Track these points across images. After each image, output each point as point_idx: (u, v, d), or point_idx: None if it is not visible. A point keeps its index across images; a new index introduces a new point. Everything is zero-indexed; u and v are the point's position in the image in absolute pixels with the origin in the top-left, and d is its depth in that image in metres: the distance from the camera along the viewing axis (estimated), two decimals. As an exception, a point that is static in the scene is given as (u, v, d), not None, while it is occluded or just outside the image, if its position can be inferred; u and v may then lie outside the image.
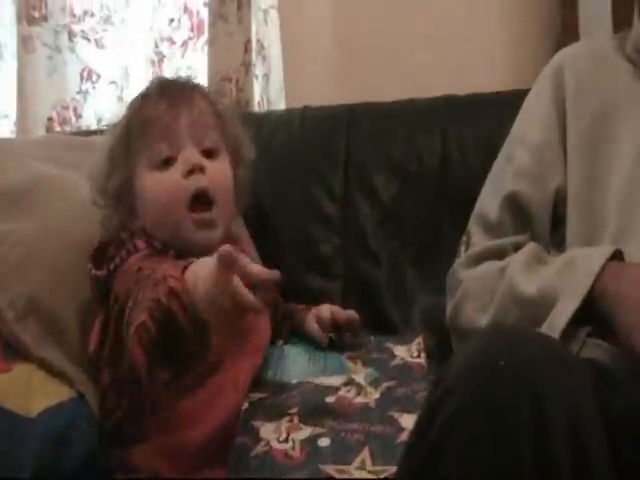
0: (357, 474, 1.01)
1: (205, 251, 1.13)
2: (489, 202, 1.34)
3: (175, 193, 1.30)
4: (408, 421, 1.08)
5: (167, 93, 1.37)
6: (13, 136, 2.11)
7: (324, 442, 1.09)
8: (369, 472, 1.01)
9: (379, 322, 1.60)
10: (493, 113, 1.67)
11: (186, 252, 1.24)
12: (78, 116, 2.14)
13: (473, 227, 1.34)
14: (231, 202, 1.37)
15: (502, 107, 1.63)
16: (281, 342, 1.36)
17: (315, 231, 1.67)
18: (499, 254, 1.27)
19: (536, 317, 1.13)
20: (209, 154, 1.34)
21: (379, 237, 1.65)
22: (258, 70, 2.06)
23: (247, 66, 2.00)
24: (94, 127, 2.10)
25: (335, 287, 1.66)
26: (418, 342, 1.33)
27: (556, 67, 1.36)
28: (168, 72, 2.15)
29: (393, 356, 1.27)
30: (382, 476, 1.00)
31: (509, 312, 1.19)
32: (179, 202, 1.30)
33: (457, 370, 0.87)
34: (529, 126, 1.35)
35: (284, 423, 1.13)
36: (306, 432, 1.11)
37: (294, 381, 1.24)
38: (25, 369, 1.33)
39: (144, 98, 1.39)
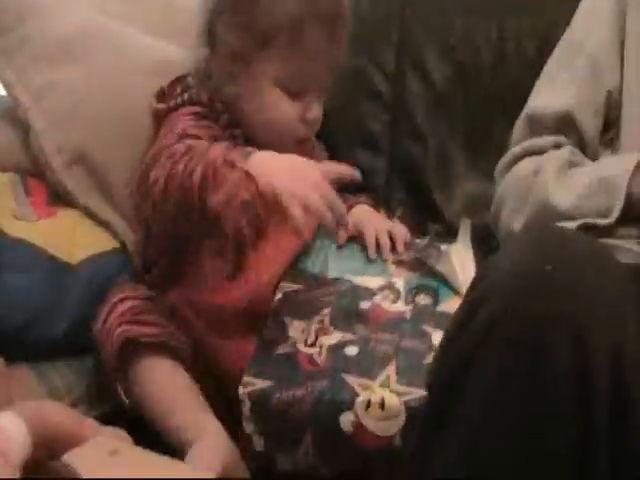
0: (379, 391, 0.98)
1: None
2: (539, 104, 1.31)
3: (288, 128, 1.28)
4: (440, 339, 1.04)
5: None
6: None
7: (352, 351, 1.06)
8: (392, 391, 0.98)
9: (422, 203, 1.60)
10: (551, 2, 1.60)
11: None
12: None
13: (521, 124, 1.32)
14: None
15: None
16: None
17: (364, 106, 1.63)
18: (539, 152, 1.26)
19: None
20: (322, 94, 1.31)
21: (429, 118, 1.62)
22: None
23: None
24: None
25: (381, 164, 1.63)
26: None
27: None
28: None
29: (440, 259, 1.20)
30: (404, 399, 0.96)
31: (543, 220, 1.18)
32: (285, 133, 1.28)
33: (500, 268, 0.83)
34: (587, 29, 1.31)
35: (314, 324, 1.11)
36: (335, 337, 1.08)
37: (332, 275, 1.21)
38: (70, 215, 1.33)
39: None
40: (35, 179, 1.35)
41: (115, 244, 1.34)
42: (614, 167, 1.15)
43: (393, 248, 1.27)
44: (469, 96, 1.62)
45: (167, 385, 1.13)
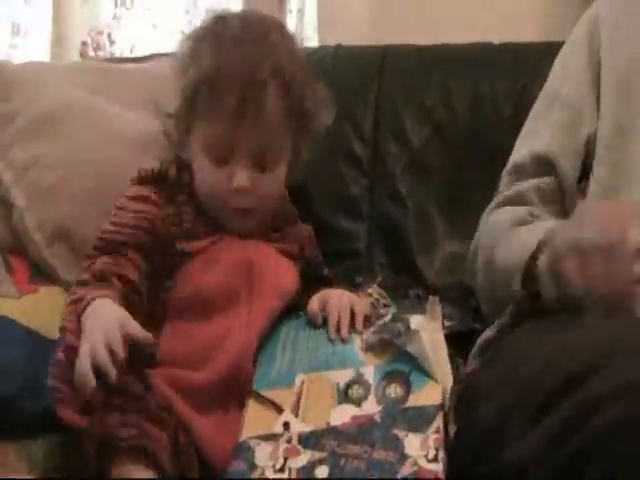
0: None
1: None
2: (521, 153, 1.30)
3: (217, 196, 1.28)
4: (413, 443, 1.01)
5: (242, 62, 1.24)
6: (47, 60, 2.09)
7: (322, 472, 1.02)
8: None
9: (403, 265, 1.59)
10: (527, 64, 1.63)
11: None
12: (112, 42, 2.12)
13: (504, 177, 1.31)
14: (276, 200, 1.34)
15: (536, 58, 1.59)
16: (301, 313, 1.28)
17: (344, 171, 1.65)
18: (520, 200, 1.25)
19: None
20: (263, 165, 1.28)
21: (407, 180, 1.63)
22: (292, 4, 2.03)
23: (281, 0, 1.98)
24: (127, 54, 2.09)
25: (362, 228, 1.63)
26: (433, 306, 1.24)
27: (591, 17, 1.31)
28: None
29: (410, 338, 1.15)
30: None
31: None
32: (217, 200, 1.28)
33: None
34: (563, 79, 1.31)
35: (282, 444, 1.07)
36: (305, 458, 1.04)
37: (300, 375, 1.16)
38: (51, 292, 1.33)
39: (218, 52, 1.26)
40: (16, 256, 1.36)
41: (97, 318, 1.34)
42: (519, 248, 1.14)
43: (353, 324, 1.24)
44: (446, 157, 1.63)
45: None
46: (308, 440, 1.06)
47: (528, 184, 1.26)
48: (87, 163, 1.41)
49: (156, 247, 1.26)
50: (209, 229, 1.29)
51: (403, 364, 1.14)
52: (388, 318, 1.23)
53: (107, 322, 1.11)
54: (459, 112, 1.65)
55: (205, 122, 1.26)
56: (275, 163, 1.29)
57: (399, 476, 0.98)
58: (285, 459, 1.04)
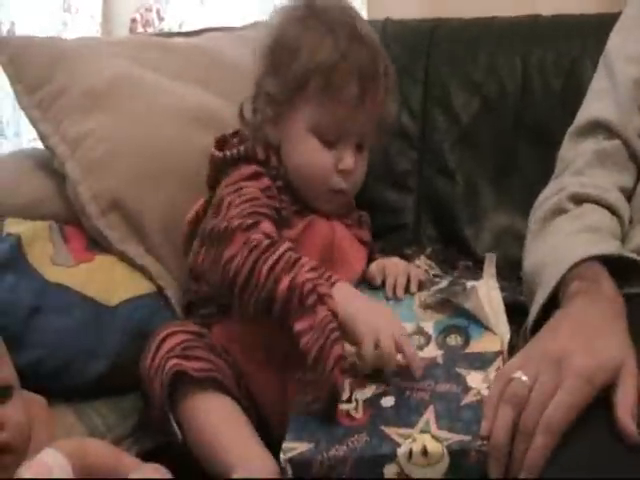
0: (420, 439, 0.96)
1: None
2: (581, 119, 1.29)
3: (321, 177, 1.30)
4: (475, 379, 1.04)
5: (357, 51, 1.28)
6: (98, 35, 2.12)
7: (388, 402, 1.04)
8: (432, 437, 0.96)
9: (451, 239, 1.61)
10: (577, 37, 1.62)
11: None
12: (161, 18, 2.14)
13: (565, 143, 1.30)
14: (360, 185, 1.37)
15: (586, 30, 1.60)
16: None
17: (392, 145, 1.64)
18: (575, 166, 1.24)
19: (531, 295, 1.12)
20: (361, 147, 1.33)
21: (456, 155, 1.63)
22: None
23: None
24: (176, 30, 2.11)
25: (410, 201, 1.65)
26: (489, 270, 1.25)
27: None
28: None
29: (467, 296, 1.18)
30: (446, 444, 0.94)
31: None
32: (321, 183, 1.30)
33: None
34: (628, 37, 1.30)
35: (348, 379, 1.09)
36: (370, 390, 1.06)
37: None
38: (107, 260, 1.35)
39: (337, 44, 1.27)
40: (72, 226, 1.38)
41: (152, 287, 1.36)
42: (559, 252, 1.11)
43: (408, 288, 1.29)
44: (495, 131, 1.63)
45: (217, 419, 1.13)
46: (372, 375, 1.09)
47: (586, 147, 1.25)
48: (138, 136, 1.42)
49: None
50: (300, 213, 1.31)
51: (461, 319, 1.17)
52: (445, 283, 1.26)
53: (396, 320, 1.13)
54: (508, 87, 1.64)
55: (320, 105, 1.27)
56: (368, 145, 1.34)
57: (462, 403, 1.00)
58: (351, 391, 1.06)
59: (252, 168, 1.29)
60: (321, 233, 1.30)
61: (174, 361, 1.15)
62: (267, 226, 1.20)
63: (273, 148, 1.32)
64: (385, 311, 1.15)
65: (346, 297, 1.12)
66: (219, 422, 1.13)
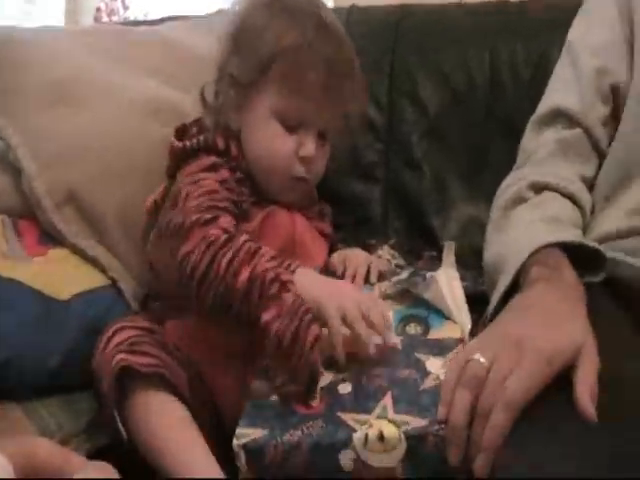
0: (377, 424, 0.94)
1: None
2: (543, 108, 1.29)
3: (282, 163, 1.28)
4: (434, 364, 1.03)
5: (322, 36, 1.27)
6: (62, 25, 2.09)
7: (345, 388, 1.02)
8: (389, 421, 0.94)
9: (418, 230, 1.59)
10: (545, 26, 1.60)
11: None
12: (125, 7, 2.12)
13: (527, 133, 1.30)
14: (320, 177, 1.37)
15: (554, 19, 1.55)
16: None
17: (359, 137, 1.61)
18: (536, 156, 1.25)
19: (491, 285, 1.11)
20: (323, 137, 1.31)
21: (423, 147, 1.61)
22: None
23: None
24: (141, 18, 2.09)
25: (376, 193, 1.62)
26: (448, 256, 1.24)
27: None
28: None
29: (426, 286, 1.17)
30: (403, 429, 0.93)
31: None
32: (282, 170, 1.29)
33: None
34: (590, 27, 1.29)
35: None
36: (327, 378, 1.04)
37: None
38: (60, 254, 1.33)
39: (304, 30, 1.27)
40: (26, 220, 1.35)
41: (105, 281, 1.34)
42: (519, 241, 1.10)
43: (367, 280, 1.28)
44: (463, 123, 1.61)
45: (162, 420, 1.11)
46: (330, 363, 1.06)
47: (547, 137, 1.24)
48: (96, 129, 1.40)
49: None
50: (259, 204, 1.29)
51: (421, 309, 1.16)
52: (405, 274, 1.25)
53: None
54: (476, 78, 1.62)
55: (283, 90, 1.26)
56: (331, 136, 1.33)
57: (421, 388, 0.99)
58: None
59: (211, 159, 1.27)
60: (281, 224, 1.28)
61: (121, 356, 1.13)
62: (225, 220, 1.18)
63: (233, 136, 1.31)
64: (347, 287, 1.16)
65: (309, 282, 1.10)
66: (164, 424, 1.11)
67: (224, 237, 1.13)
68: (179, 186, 1.25)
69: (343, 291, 1.11)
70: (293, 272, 1.10)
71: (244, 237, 1.14)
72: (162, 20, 1.77)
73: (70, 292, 1.27)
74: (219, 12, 1.75)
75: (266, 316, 1.06)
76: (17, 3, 2.11)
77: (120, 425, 1.12)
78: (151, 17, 2.08)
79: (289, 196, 1.31)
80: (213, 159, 1.28)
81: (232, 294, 1.10)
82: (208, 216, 1.17)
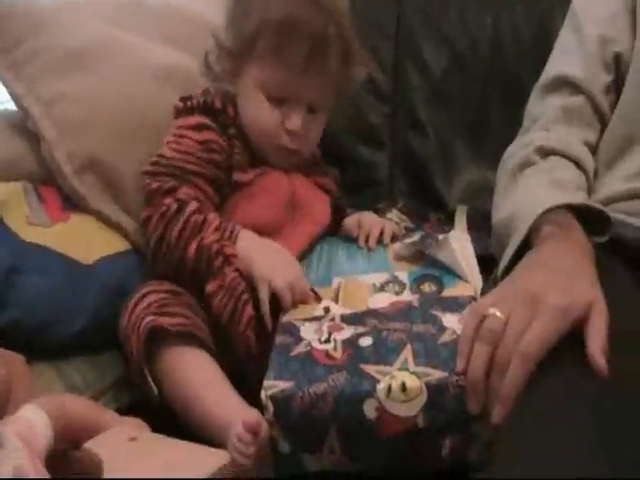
0: (399, 375, 0.98)
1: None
2: (547, 75, 1.32)
3: (268, 133, 1.32)
4: (450, 320, 1.06)
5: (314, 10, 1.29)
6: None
7: (366, 341, 1.06)
8: (411, 373, 0.98)
9: (424, 193, 1.62)
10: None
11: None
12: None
13: (532, 98, 1.32)
14: (314, 146, 1.41)
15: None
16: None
17: (364, 101, 1.66)
18: (543, 121, 1.27)
19: (501, 246, 1.14)
20: (315, 109, 1.34)
21: (428, 110, 1.65)
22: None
23: None
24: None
25: (382, 157, 1.66)
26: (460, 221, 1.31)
27: None
28: None
29: (440, 247, 1.21)
30: (424, 380, 0.97)
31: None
32: (269, 140, 1.33)
33: None
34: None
35: (325, 322, 1.12)
36: (348, 332, 1.08)
37: (336, 278, 1.24)
38: (83, 219, 1.35)
39: (288, 3, 1.30)
40: (47, 186, 1.37)
41: (128, 246, 1.36)
42: (529, 202, 1.13)
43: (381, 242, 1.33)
44: (467, 85, 1.64)
45: (196, 372, 1.15)
46: (350, 319, 1.12)
47: (552, 103, 1.27)
48: (113, 95, 1.42)
49: (223, 178, 1.31)
50: (254, 162, 1.34)
51: (435, 269, 1.20)
52: (417, 237, 1.29)
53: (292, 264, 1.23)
54: (479, 42, 1.65)
55: (267, 64, 1.30)
56: (323, 108, 1.35)
57: (439, 342, 1.02)
58: (329, 333, 1.09)
59: (197, 119, 1.33)
60: (277, 184, 1.34)
61: (151, 317, 1.17)
62: (183, 191, 1.26)
63: (232, 99, 1.35)
64: (283, 257, 1.23)
65: (247, 245, 1.21)
66: (198, 376, 1.14)
67: (174, 207, 1.23)
68: (165, 137, 1.32)
69: (278, 259, 1.22)
70: (236, 238, 1.22)
71: (192, 206, 1.24)
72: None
73: (94, 256, 1.30)
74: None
75: (209, 288, 1.19)
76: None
77: (152, 383, 1.15)
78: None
79: (280, 162, 1.36)
80: (199, 119, 1.33)
81: (183, 264, 1.22)
82: (168, 185, 1.26)
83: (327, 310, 1.15)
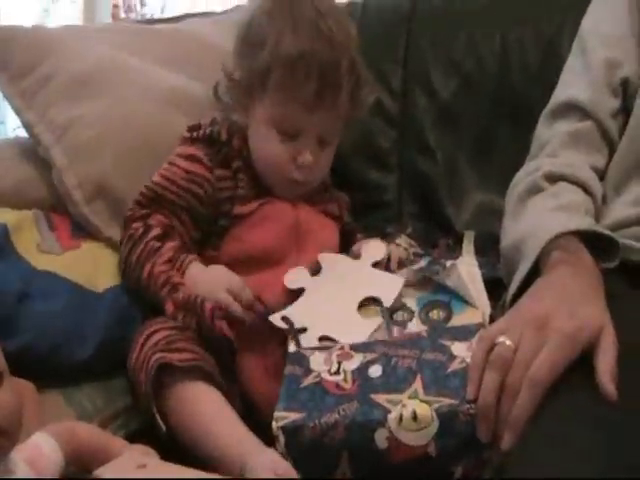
0: (409, 404, 0.97)
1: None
2: (556, 99, 1.31)
3: (278, 168, 1.32)
4: (459, 348, 1.05)
5: (321, 46, 1.28)
6: (80, 23, 2.11)
7: (376, 371, 1.05)
8: (422, 401, 0.98)
9: (433, 216, 1.61)
10: (555, 8, 1.61)
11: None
12: (143, 4, 2.14)
13: (541, 122, 1.32)
14: (325, 175, 1.43)
15: (565, 6, 1.58)
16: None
17: (373, 124, 1.65)
18: (550, 145, 1.26)
19: (510, 271, 1.14)
20: (325, 142, 1.34)
21: (436, 133, 1.63)
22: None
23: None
24: (158, 15, 2.11)
25: (391, 180, 1.65)
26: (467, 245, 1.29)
27: None
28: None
29: (447, 273, 1.20)
30: (435, 407, 0.97)
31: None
32: (278, 174, 1.33)
33: None
34: (603, 17, 1.30)
35: (335, 351, 1.11)
36: (357, 360, 1.08)
37: None
38: (93, 247, 1.35)
39: (299, 38, 1.28)
40: (58, 214, 1.38)
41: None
42: (538, 228, 1.12)
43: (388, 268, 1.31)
44: (475, 108, 1.62)
45: (204, 407, 1.15)
46: (359, 346, 1.11)
47: (560, 128, 1.27)
48: (124, 121, 1.42)
49: (204, 212, 1.33)
50: (260, 193, 1.34)
51: (443, 295, 1.18)
52: (424, 263, 1.28)
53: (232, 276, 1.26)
54: (487, 64, 1.63)
55: (278, 99, 1.29)
56: (334, 139, 1.35)
57: (449, 370, 1.02)
58: (339, 363, 1.09)
59: (192, 150, 1.35)
60: (282, 213, 1.34)
61: (159, 355, 1.16)
62: (155, 218, 1.32)
63: (239, 131, 1.35)
64: (220, 272, 1.27)
65: (193, 275, 1.26)
66: (206, 410, 1.15)
67: (140, 231, 1.30)
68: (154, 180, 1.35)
69: (215, 276, 1.26)
70: (186, 268, 1.27)
71: (154, 232, 1.29)
72: (181, 17, 1.79)
73: (104, 285, 1.31)
74: (237, 8, 1.77)
75: (168, 309, 1.23)
76: (37, 2, 2.13)
77: (159, 420, 1.15)
78: (168, 12, 2.10)
79: (288, 194, 1.36)
80: (194, 151, 1.34)
81: (140, 284, 1.28)
82: (142, 212, 1.32)
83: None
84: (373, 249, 1.34)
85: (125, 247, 1.30)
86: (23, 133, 1.49)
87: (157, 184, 1.33)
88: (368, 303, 1.21)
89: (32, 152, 1.44)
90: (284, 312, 1.20)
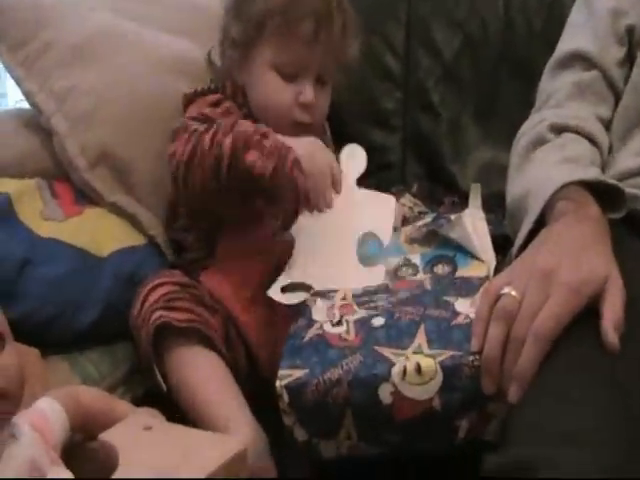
0: (413, 358, 0.96)
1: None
2: (560, 51, 1.30)
3: (283, 110, 1.34)
4: (463, 305, 1.03)
5: None
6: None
7: (378, 322, 1.04)
8: (425, 355, 0.96)
9: (437, 175, 1.60)
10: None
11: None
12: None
13: (545, 74, 1.31)
14: (324, 118, 1.43)
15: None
16: None
17: (376, 85, 1.64)
18: (555, 98, 1.25)
19: (516, 224, 1.12)
20: (321, 81, 1.37)
21: (440, 92, 1.62)
22: None
23: None
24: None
25: (395, 140, 1.64)
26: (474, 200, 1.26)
27: None
28: None
29: (452, 225, 1.19)
30: (439, 359, 0.95)
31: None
32: (284, 117, 1.34)
33: None
34: None
35: (338, 302, 1.10)
36: (360, 313, 1.07)
37: None
38: (96, 213, 1.35)
39: None
40: (61, 182, 1.37)
41: (142, 238, 1.36)
42: (543, 179, 1.11)
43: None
44: (478, 68, 1.61)
45: (198, 373, 1.15)
46: (361, 298, 1.10)
47: (565, 79, 1.25)
48: (124, 87, 1.41)
49: None
50: None
51: (448, 249, 1.17)
52: (429, 218, 1.27)
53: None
54: (489, 24, 1.62)
55: (278, 43, 1.33)
56: (330, 78, 1.38)
57: (452, 324, 1.00)
58: (341, 315, 1.07)
59: (216, 96, 1.36)
60: None
61: (159, 313, 1.17)
62: (211, 126, 1.25)
63: (240, 89, 1.37)
64: (320, 144, 1.27)
65: (282, 137, 1.23)
66: (200, 378, 1.15)
67: (204, 126, 1.24)
68: (184, 120, 1.31)
69: (316, 145, 1.25)
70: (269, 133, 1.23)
71: (220, 120, 1.26)
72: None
73: (108, 249, 1.30)
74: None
75: (249, 157, 1.18)
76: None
77: (160, 378, 1.16)
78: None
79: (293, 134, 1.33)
80: (218, 96, 1.36)
81: (220, 161, 1.20)
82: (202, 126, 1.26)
83: None
84: (355, 161, 1.36)
85: (189, 141, 1.23)
86: (25, 105, 1.47)
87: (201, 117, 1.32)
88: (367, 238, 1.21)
89: (34, 123, 1.43)
90: (282, 278, 1.18)
